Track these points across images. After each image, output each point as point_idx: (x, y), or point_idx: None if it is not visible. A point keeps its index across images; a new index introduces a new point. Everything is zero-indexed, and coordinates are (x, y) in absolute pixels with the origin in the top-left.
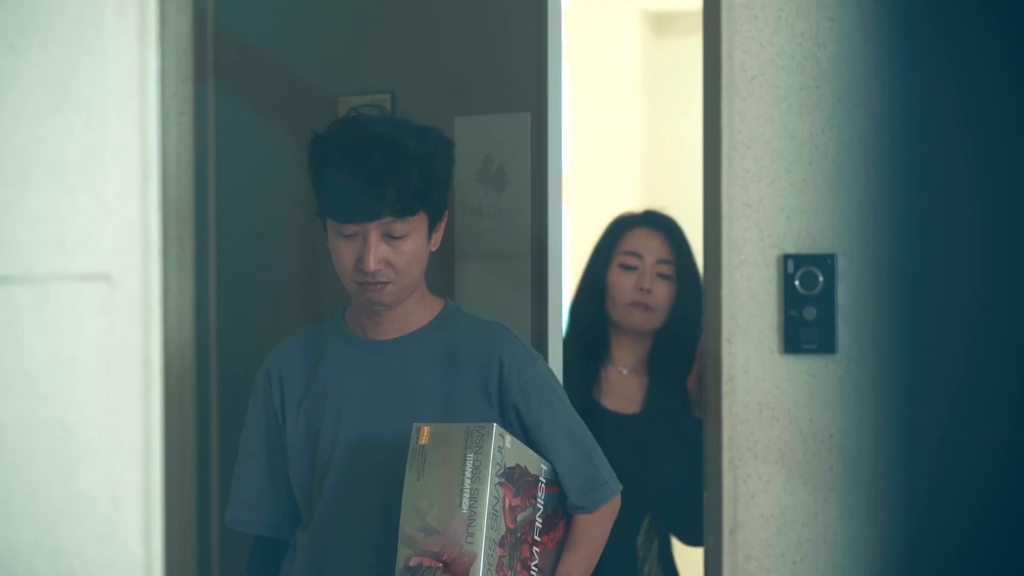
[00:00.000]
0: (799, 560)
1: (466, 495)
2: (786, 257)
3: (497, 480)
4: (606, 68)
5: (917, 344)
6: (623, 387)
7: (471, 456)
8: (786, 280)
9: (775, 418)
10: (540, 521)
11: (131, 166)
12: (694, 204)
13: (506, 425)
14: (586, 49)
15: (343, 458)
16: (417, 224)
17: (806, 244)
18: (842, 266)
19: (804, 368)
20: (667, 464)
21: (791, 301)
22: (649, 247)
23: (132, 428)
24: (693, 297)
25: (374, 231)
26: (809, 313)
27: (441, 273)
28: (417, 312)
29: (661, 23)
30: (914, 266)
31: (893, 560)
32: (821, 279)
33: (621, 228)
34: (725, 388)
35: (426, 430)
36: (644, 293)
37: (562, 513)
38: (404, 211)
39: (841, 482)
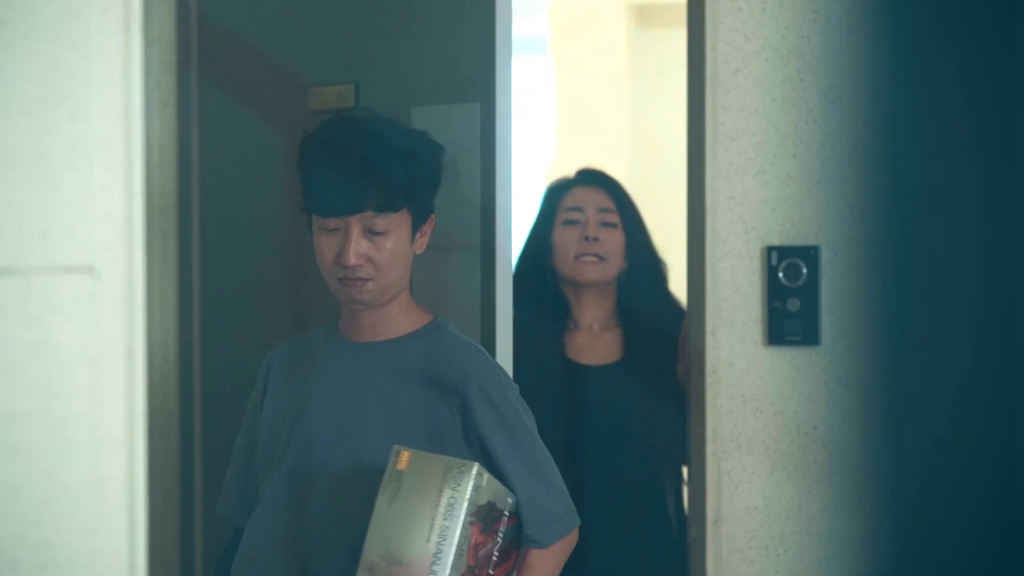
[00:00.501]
0: (783, 552)
1: (435, 531)
2: (770, 249)
3: (468, 519)
4: (590, 60)
5: (901, 336)
6: (596, 344)
7: (447, 492)
8: (770, 272)
9: (759, 410)
10: (497, 554)
11: (115, 158)
12: (678, 196)
13: (469, 448)
14: (570, 41)
15: (295, 449)
16: (400, 222)
17: (790, 236)
18: (826, 258)
19: (788, 360)
20: (659, 403)
21: (775, 293)
22: (588, 199)
23: (116, 420)
24: (644, 245)
25: (355, 225)
26: (793, 305)
27: None
28: (399, 320)
29: (645, 15)
30: (898, 258)
31: (877, 552)
32: (805, 271)
33: (559, 191)
34: (709, 380)
35: (405, 456)
36: (590, 243)
37: (516, 544)
38: (386, 206)
39: (825, 474)
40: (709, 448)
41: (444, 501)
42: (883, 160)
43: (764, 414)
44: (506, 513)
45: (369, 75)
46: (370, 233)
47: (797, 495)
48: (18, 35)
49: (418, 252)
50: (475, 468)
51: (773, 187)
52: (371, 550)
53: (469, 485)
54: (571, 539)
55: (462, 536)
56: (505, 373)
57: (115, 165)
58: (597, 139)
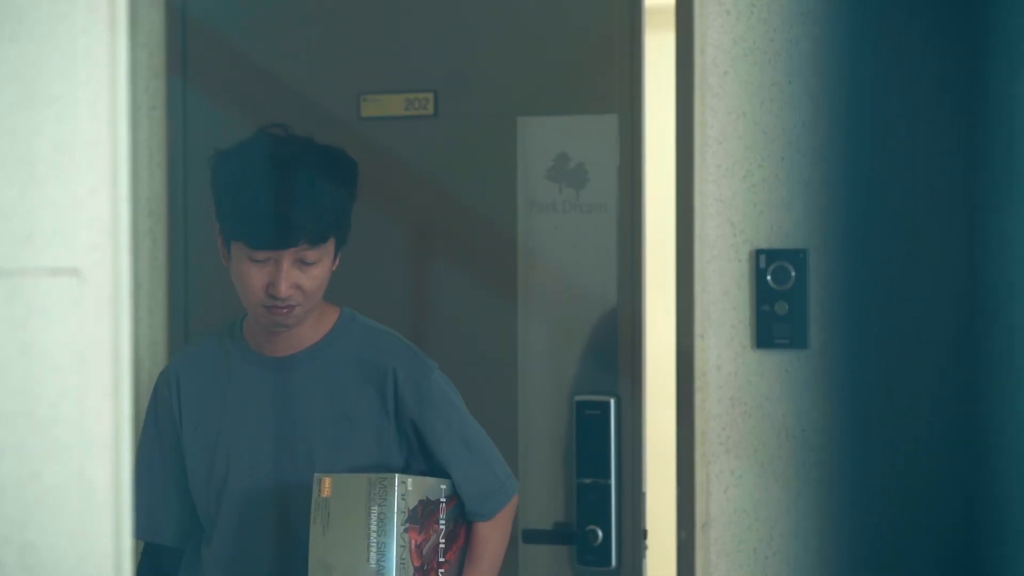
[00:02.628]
0: (771, 555)
1: (373, 549)
2: (758, 252)
3: (402, 528)
4: None
5: (888, 339)
6: None
7: (375, 509)
8: (758, 275)
9: (747, 413)
10: (444, 541)
11: (102, 160)
12: (667, 199)
13: (402, 436)
14: None
15: (241, 477)
16: (328, 249)
17: (778, 239)
18: (814, 261)
19: (776, 363)
20: None
21: (763, 296)
22: None
23: (103, 423)
24: None
25: (287, 257)
26: (781, 308)
27: (502, 265)
28: (314, 326)
29: None
30: (886, 262)
31: (864, 555)
32: (793, 274)
33: None
34: (698, 383)
35: (327, 482)
36: None
37: (463, 520)
38: (319, 239)
39: (813, 477)
40: (698, 451)
41: (375, 518)
42: (870, 162)
43: (752, 417)
44: (442, 500)
45: (455, 82)
46: (300, 263)
47: (785, 498)
48: (4, 37)
49: (334, 269)
50: (396, 479)
51: (761, 190)
52: None
53: (395, 497)
54: (513, 505)
55: (400, 546)
56: (424, 354)
57: (101, 167)
58: None
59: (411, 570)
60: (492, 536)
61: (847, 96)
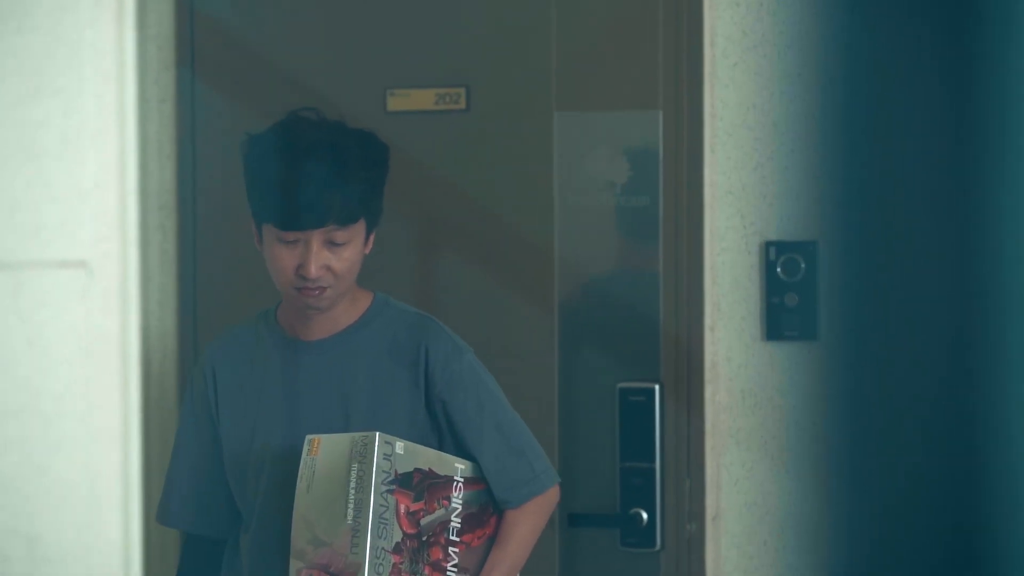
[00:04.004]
0: (782, 547)
1: (351, 506)
2: (768, 244)
3: (385, 488)
4: None
5: (898, 330)
6: None
7: (355, 466)
8: (768, 267)
9: (758, 405)
10: (458, 521)
11: (109, 154)
12: None
13: (433, 419)
14: None
15: (278, 462)
16: (358, 230)
17: (788, 231)
18: (823, 253)
19: (786, 355)
20: None
21: (773, 288)
22: None
23: (111, 415)
24: None
25: (317, 238)
26: (791, 300)
27: (539, 263)
28: (347, 310)
29: None
30: (895, 253)
31: (875, 547)
32: (803, 266)
33: None
34: (708, 375)
35: (316, 441)
36: None
37: (493, 509)
38: (347, 219)
39: (823, 469)
40: (708, 443)
41: (354, 476)
42: (880, 155)
43: (763, 409)
44: (458, 479)
45: (489, 77)
46: (330, 244)
47: (796, 490)
48: (10, 30)
49: (366, 252)
50: (378, 437)
51: (771, 182)
52: (298, 537)
53: (375, 455)
54: (549, 497)
55: (380, 506)
56: (459, 338)
57: (109, 160)
58: None
59: (398, 533)
60: (520, 523)
61: (857, 89)
